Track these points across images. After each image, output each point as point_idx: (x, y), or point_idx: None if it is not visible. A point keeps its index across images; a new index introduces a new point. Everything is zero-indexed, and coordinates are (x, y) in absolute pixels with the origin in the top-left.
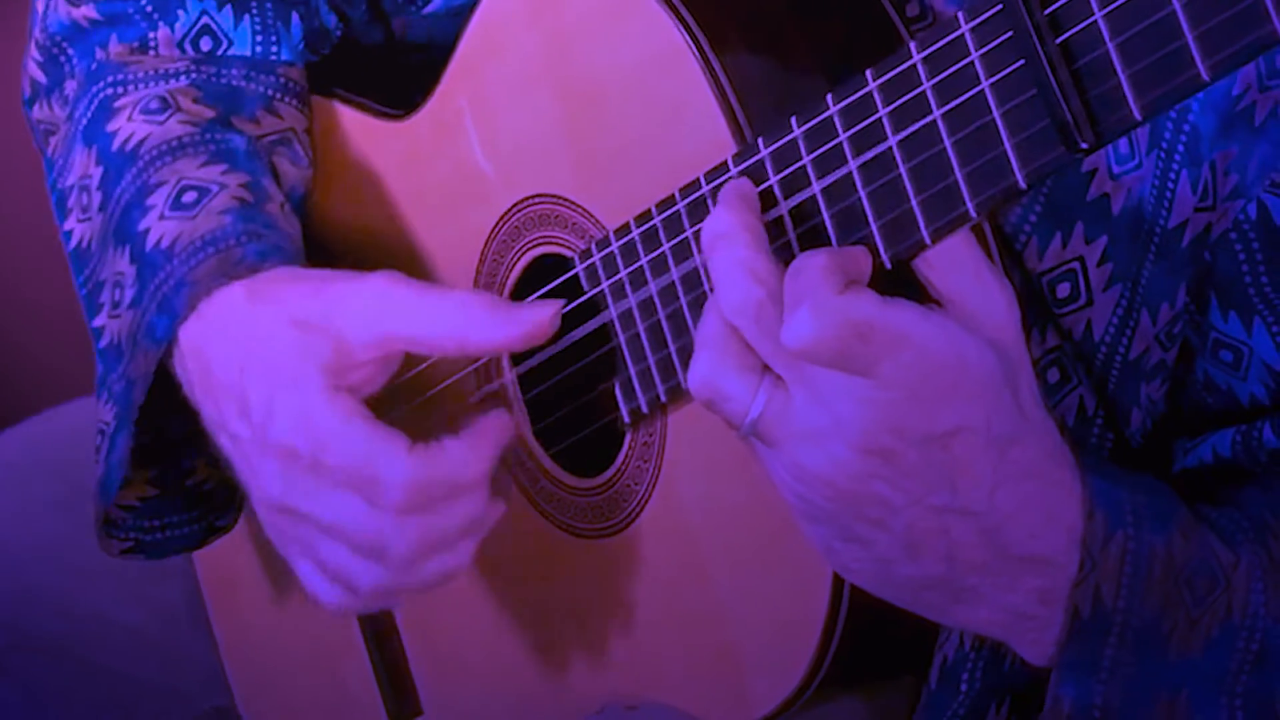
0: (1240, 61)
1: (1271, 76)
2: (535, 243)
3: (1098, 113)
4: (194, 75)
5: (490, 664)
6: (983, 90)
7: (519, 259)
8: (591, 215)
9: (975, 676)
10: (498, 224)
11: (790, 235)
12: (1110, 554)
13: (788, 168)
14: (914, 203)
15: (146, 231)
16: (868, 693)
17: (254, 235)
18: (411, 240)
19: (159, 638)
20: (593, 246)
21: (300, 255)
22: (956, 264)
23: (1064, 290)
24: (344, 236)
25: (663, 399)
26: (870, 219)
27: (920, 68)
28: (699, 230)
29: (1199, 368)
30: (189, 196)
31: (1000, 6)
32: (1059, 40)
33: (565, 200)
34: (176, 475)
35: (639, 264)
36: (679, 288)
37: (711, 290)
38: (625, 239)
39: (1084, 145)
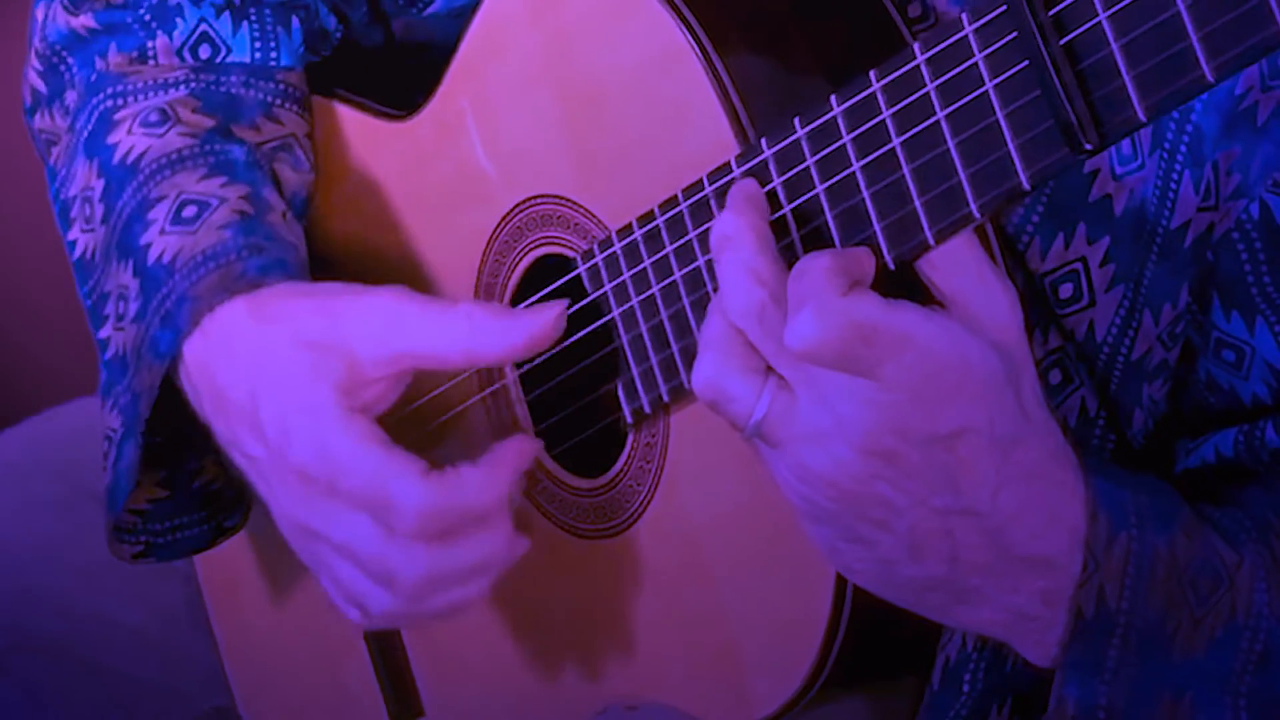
0: (1245, 63)
1: (1274, 76)
2: (537, 243)
3: (1102, 114)
4: (193, 84)
5: (492, 665)
6: (987, 91)
7: (521, 259)
8: (594, 216)
9: (977, 677)
10: (500, 224)
11: (794, 236)
12: (1114, 555)
13: (791, 169)
14: (917, 204)
15: (148, 246)
16: (870, 694)
17: (255, 249)
18: (413, 240)
19: (159, 638)
20: (595, 247)
21: (303, 266)
22: (959, 265)
23: (1066, 291)
24: (346, 237)
25: (665, 399)
26: (874, 220)
27: (924, 69)
28: (702, 231)
29: (1201, 367)
30: (189, 211)
31: (1004, 8)
32: (1063, 41)
33: (567, 201)
34: (184, 476)
35: (642, 264)
36: (682, 288)
37: (715, 291)
38: (628, 239)
39: (1088, 146)
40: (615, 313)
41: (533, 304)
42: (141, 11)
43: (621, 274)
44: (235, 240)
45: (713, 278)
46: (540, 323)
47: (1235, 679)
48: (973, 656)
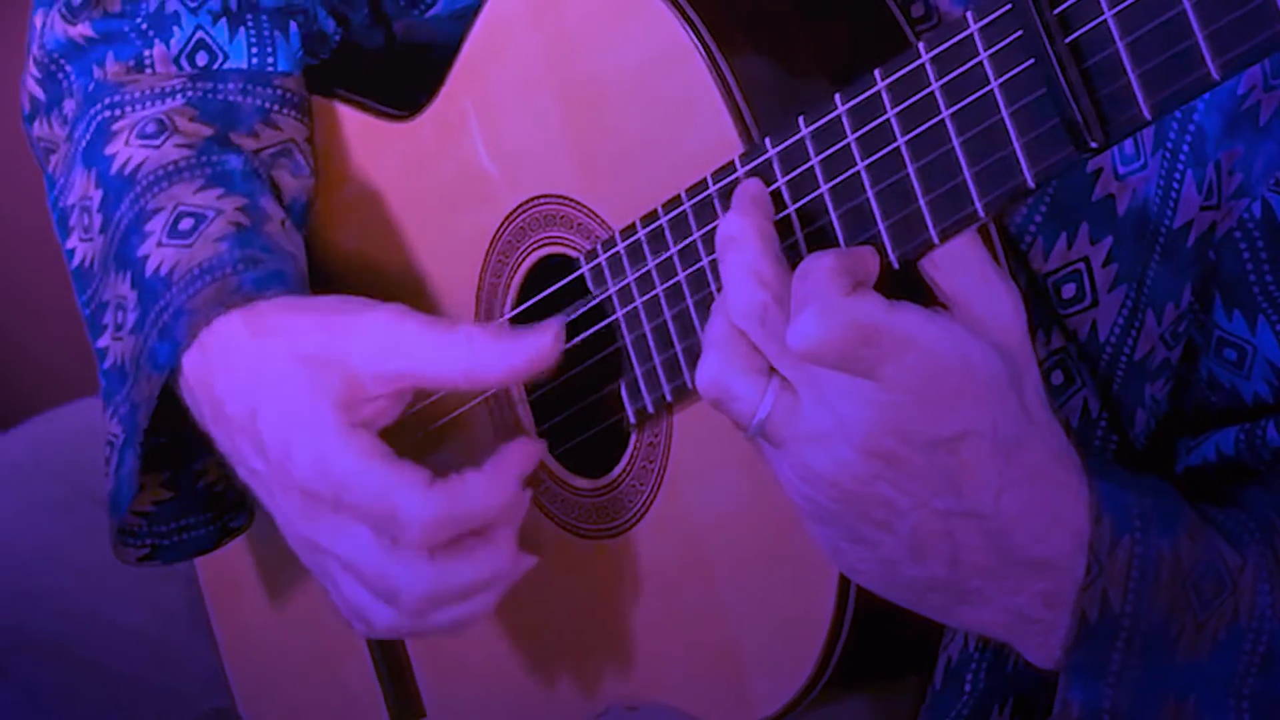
0: (1250, 61)
1: (1276, 76)
2: (540, 243)
3: (1107, 112)
4: (190, 93)
5: (493, 665)
6: (992, 90)
7: (524, 260)
8: (597, 216)
9: (979, 677)
10: (502, 224)
11: (798, 235)
12: (1117, 558)
13: (795, 168)
14: (922, 203)
15: (146, 258)
16: (872, 694)
17: (251, 261)
18: (415, 241)
19: (160, 639)
20: (598, 247)
21: (302, 277)
22: (962, 265)
23: (1069, 291)
24: (348, 237)
25: (668, 399)
26: (878, 219)
27: (929, 67)
28: (706, 231)
29: (1203, 366)
30: (186, 224)
31: (1010, 6)
32: (1068, 39)
33: (570, 201)
34: (189, 477)
35: (645, 264)
36: (685, 288)
37: (718, 290)
38: (631, 239)
39: (1094, 144)
40: (619, 313)
41: (535, 304)
42: (139, 20)
43: (625, 274)
44: (231, 253)
45: (716, 277)
46: (540, 344)
47: (1238, 681)
48: (975, 656)
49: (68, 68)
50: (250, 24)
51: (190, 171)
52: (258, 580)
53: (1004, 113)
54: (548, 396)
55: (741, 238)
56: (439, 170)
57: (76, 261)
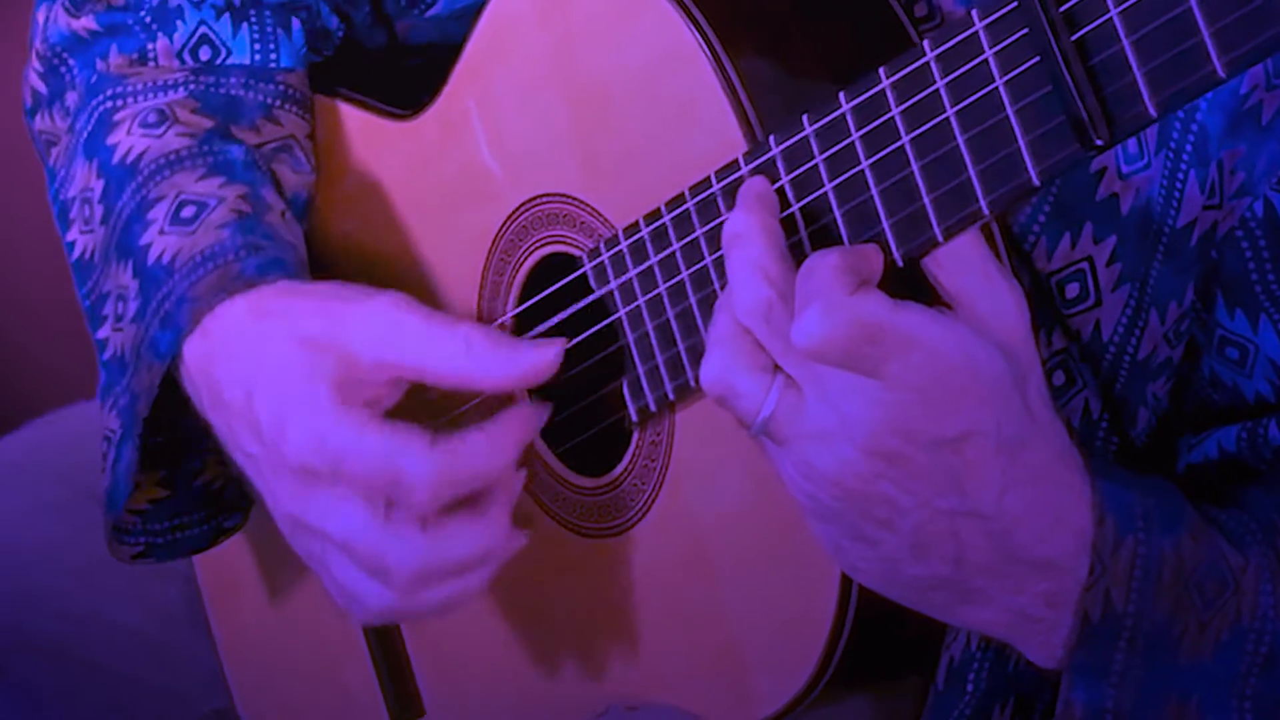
0: (1257, 58)
1: (1279, 75)
2: (543, 242)
3: (1113, 109)
4: (192, 86)
5: (493, 664)
6: (997, 88)
7: (526, 258)
8: (600, 214)
9: (981, 677)
10: (505, 223)
11: (802, 233)
12: (1120, 559)
13: (800, 166)
14: (926, 201)
15: (148, 246)
16: (873, 693)
17: (253, 248)
18: (417, 239)
19: (159, 640)
20: (601, 245)
21: (303, 265)
22: (965, 264)
23: (1073, 290)
24: (350, 235)
25: (671, 398)
26: (882, 217)
27: (933, 65)
28: (709, 229)
29: (1205, 365)
30: (187, 211)
31: (1015, 3)
32: (1074, 37)
33: (573, 199)
34: (186, 475)
35: (648, 263)
36: (688, 286)
37: (722, 289)
38: (634, 238)
39: (1099, 142)
40: (621, 311)
41: (537, 302)
42: (142, 14)
43: (628, 272)
44: (233, 240)
45: (719, 276)
46: (538, 361)
47: (1241, 681)
48: (977, 656)
49: (70, 61)
50: (254, 20)
51: (192, 160)
52: (257, 580)
53: (1009, 110)
54: (549, 395)
55: (747, 234)
56: (441, 169)
57: (77, 254)
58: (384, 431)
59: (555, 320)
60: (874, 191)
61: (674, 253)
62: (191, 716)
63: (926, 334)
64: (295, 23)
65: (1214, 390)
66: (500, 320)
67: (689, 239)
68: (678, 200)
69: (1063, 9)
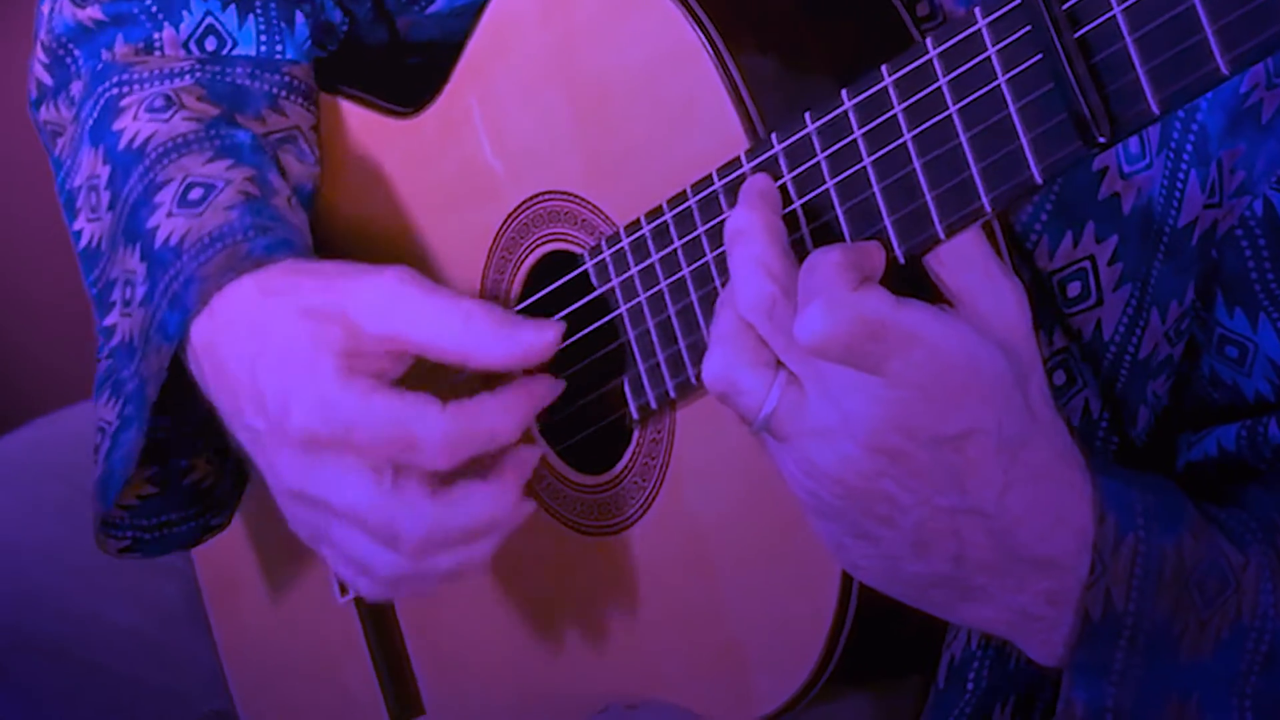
0: (1260, 56)
1: (1279, 74)
2: (544, 239)
3: (1115, 107)
4: (199, 74)
5: (493, 663)
6: (999, 85)
7: (528, 255)
8: (601, 212)
9: (982, 675)
10: (506, 220)
11: (804, 231)
12: (1121, 557)
13: (802, 164)
14: (928, 198)
15: (155, 229)
16: (874, 692)
17: (261, 229)
18: (418, 236)
19: (159, 640)
20: (602, 243)
21: (308, 247)
22: (966, 261)
23: (1074, 289)
24: (351, 232)
25: (672, 395)
26: (884, 214)
27: (936, 63)
28: (710, 226)
29: (1205, 363)
30: (195, 193)
31: (1017, 1)
32: (1077, 35)
33: (575, 197)
34: (175, 473)
35: (650, 260)
36: (690, 284)
37: (724, 286)
38: (636, 235)
39: (1101, 139)
40: (622, 309)
41: (539, 299)
42: (148, 3)
43: (629, 270)
44: (242, 220)
45: (721, 273)
46: (537, 340)
47: (1241, 680)
48: (977, 654)
49: (76, 52)
50: (259, 11)
51: (199, 144)
52: (257, 580)
53: (1011, 108)
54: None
55: (749, 231)
56: (442, 167)
57: (84, 242)
58: (392, 396)
59: (557, 318)
60: (876, 189)
61: (675, 250)
62: (191, 716)
63: (928, 331)
64: (300, 16)
65: (1214, 389)
66: (501, 299)
67: (691, 236)
68: (680, 197)
69: (1065, 7)
